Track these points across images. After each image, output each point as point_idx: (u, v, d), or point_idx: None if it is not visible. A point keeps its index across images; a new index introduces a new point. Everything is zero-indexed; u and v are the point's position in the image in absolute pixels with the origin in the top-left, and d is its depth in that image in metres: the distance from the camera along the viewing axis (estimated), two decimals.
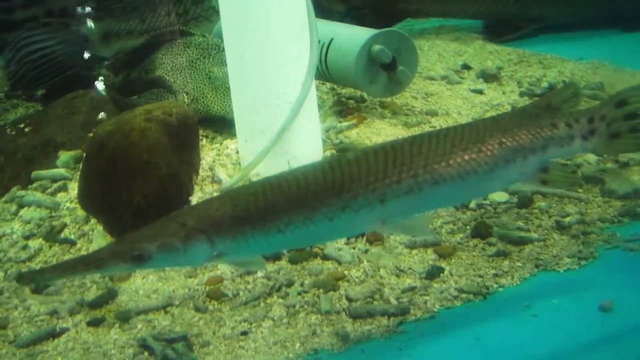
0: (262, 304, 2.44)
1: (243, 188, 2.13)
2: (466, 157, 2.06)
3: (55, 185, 3.28)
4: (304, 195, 2.01)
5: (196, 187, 3.10)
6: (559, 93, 2.21)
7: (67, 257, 2.81)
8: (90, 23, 4.61)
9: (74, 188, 3.21)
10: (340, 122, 3.67)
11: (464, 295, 2.40)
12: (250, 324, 2.36)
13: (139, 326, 2.39)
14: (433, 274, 2.51)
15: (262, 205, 2.02)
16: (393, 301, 2.39)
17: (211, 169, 3.26)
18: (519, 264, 2.53)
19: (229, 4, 3.10)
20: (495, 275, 2.48)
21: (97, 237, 2.87)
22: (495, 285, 2.43)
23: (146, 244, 1.97)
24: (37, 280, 2.40)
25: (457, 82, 4.29)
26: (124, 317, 2.43)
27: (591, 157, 3.18)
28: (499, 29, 5.36)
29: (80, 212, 3.05)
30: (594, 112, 2.16)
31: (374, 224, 2.08)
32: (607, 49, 4.81)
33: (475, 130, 2.12)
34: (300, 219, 2.00)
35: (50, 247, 2.90)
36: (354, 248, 2.69)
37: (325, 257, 2.65)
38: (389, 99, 3.92)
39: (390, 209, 2.04)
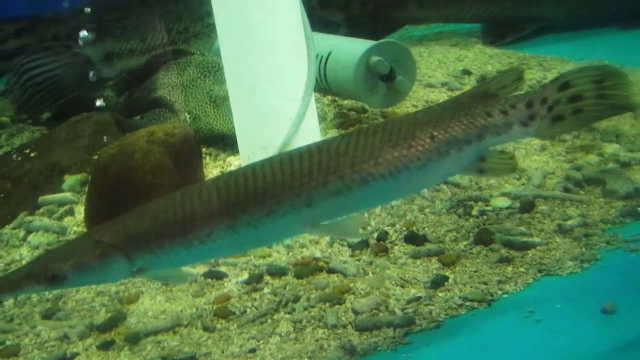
0: (269, 321, 2.47)
1: (162, 199, 2.06)
2: (396, 154, 2.01)
3: (62, 210, 3.31)
4: (225, 204, 1.96)
5: None
6: (497, 79, 2.12)
7: None
8: (92, 44, 4.64)
9: (80, 212, 3.25)
10: None
11: (468, 303, 2.41)
12: (258, 341, 2.38)
13: (149, 348, 2.42)
14: (437, 283, 2.52)
15: (181, 217, 1.97)
16: (398, 312, 2.41)
17: None
18: (522, 269, 2.55)
19: (226, 22, 3.13)
20: (499, 281, 2.50)
21: None
22: (499, 292, 2.45)
23: (60, 264, 1.94)
24: None
25: (458, 89, 4.28)
26: (134, 339, 2.46)
27: (592, 158, 3.19)
28: (498, 32, 5.35)
29: None
30: (533, 96, 2.08)
31: (302, 227, 2.03)
32: (606, 47, 4.82)
33: (406, 125, 2.06)
34: (222, 229, 1.96)
35: None
36: (358, 260, 2.71)
37: (331, 271, 2.67)
38: (389, 109, 3.94)
39: (318, 212, 1.99)
